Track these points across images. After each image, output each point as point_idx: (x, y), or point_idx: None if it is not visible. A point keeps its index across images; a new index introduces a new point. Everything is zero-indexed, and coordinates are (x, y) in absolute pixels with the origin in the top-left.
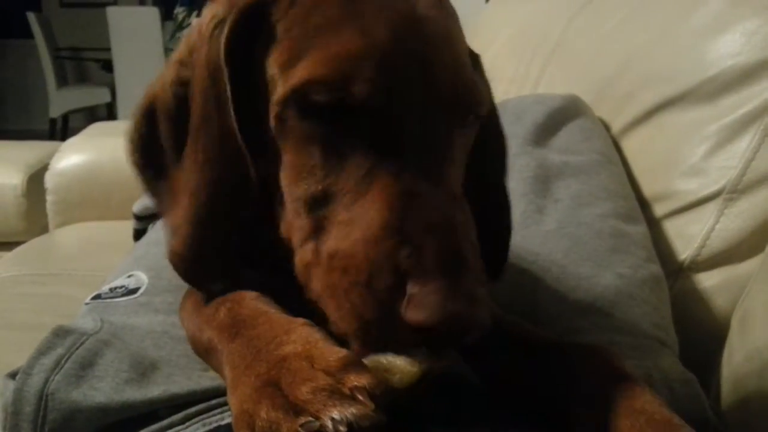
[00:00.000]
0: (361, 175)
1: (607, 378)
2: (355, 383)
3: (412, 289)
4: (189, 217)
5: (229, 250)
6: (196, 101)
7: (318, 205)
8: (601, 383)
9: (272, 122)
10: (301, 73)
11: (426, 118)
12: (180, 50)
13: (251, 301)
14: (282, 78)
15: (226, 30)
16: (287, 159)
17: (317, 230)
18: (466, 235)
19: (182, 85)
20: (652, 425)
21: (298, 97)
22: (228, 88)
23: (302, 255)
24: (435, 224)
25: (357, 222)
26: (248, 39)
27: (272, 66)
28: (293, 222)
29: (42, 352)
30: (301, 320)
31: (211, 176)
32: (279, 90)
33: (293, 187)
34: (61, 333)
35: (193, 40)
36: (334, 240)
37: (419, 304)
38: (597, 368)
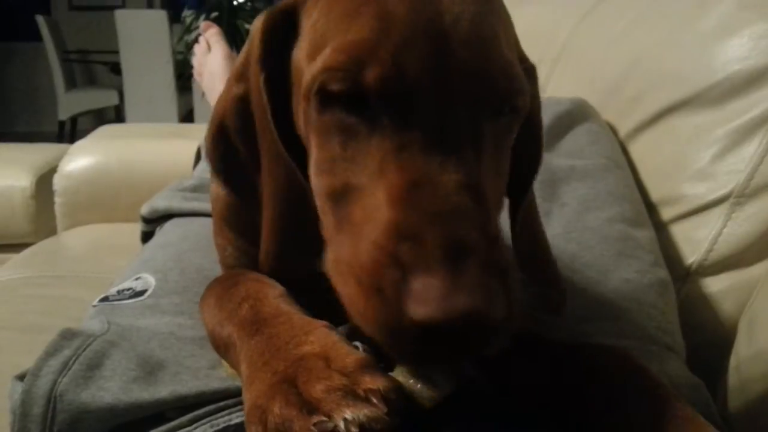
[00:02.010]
0: (375, 166)
1: (630, 377)
2: (370, 386)
3: (413, 284)
4: (266, 222)
5: (302, 249)
6: (255, 114)
7: (339, 200)
8: (624, 382)
9: (301, 120)
10: (319, 62)
11: (446, 104)
12: (238, 62)
13: (274, 299)
14: (306, 71)
15: (258, 39)
16: (313, 154)
17: (339, 231)
18: (475, 222)
19: (243, 100)
20: (679, 422)
21: (317, 87)
22: (264, 95)
23: (329, 259)
24: (438, 213)
25: (367, 221)
26: (285, 45)
27: (300, 61)
28: (322, 220)
29: (49, 354)
30: (320, 322)
31: (275, 185)
32: (303, 83)
33: (317, 181)
34: (68, 335)
35: (247, 53)
36: (348, 243)
37: (420, 299)
38: (618, 368)
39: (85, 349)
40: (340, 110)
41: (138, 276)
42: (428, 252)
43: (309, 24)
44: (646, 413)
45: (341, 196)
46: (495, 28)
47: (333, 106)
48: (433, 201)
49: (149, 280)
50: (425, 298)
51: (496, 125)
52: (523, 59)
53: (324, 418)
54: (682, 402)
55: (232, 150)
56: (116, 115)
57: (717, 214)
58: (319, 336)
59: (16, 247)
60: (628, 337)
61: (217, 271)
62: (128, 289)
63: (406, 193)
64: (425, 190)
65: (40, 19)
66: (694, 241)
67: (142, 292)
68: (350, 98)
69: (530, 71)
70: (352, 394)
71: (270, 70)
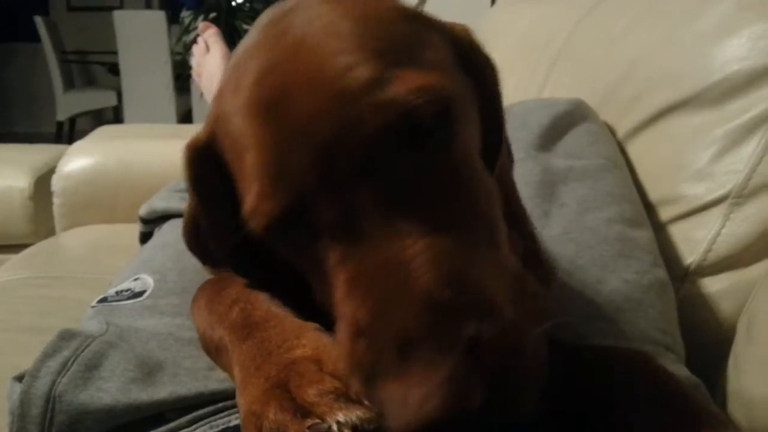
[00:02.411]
0: (326, 277)
1: (651, 378)
2: None
3: (375, 393)
4: None
5: None
6: None
7: (328, 306)
8: (646, 383)
9: None
10: (244, 211)
11: (349, 195)
12: None
13: (264, 302)
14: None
15: (186, 169)
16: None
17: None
18: (426, 296)
19: None
20: (703, 422)
21: (253, 233)
22: (206, 216)
23: None
24: (382, 306)
25: (339, 324)
26: (215, 166)
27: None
28: None
29: (48, 355)
30: (312, 325)
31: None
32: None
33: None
34: (66, 336)
35: None
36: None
37: (383, 411)
38: (639, 370)
39: (83, 350)
40: (282, 242)
41: (137, 277)
42: (378, 354)
43: (232, 165)
44: (671, 413)
45: (326, 302)
46: (376, 79)
47: (275, 241)
48: (374, 293)
49: (148, 281)
50: (386, 410)
51: (420, 158)
52: (459, 42)
53: (317, 421)
54: (707, 401)
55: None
56: (114, 115)
57: (716, 215)
58: (311, 339)
59: (15, 248)
60: (627, 338)
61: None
62: (127, 290)
63: (349, 290)
64: (364, 282)
65: (39, 20)
66: (693, 242)
67: (140, 293)
68: (273, 230)
69: (472, 57)
70: (344, 397)
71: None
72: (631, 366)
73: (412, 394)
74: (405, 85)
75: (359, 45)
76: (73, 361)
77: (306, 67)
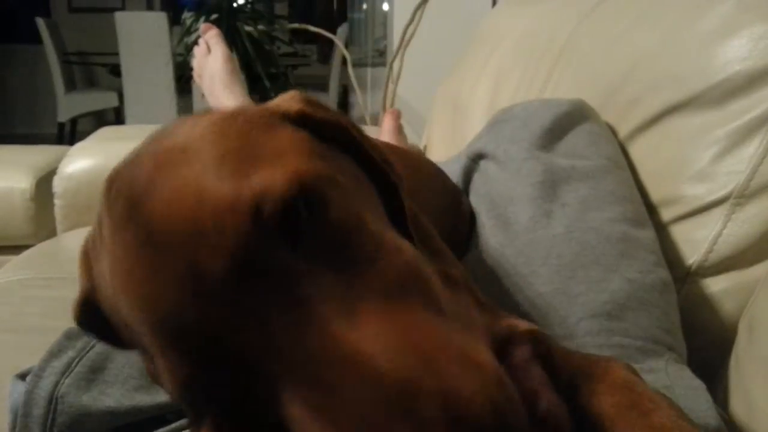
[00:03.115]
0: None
1: (622, 394)
2: None
3: None
4: None
5: None
6: None
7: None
8: (615, 399)
9: None
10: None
11: (228, 318)
12: None
13: None
14: None
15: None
16: None
17: None
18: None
19: None
20: None
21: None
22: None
23: None
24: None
25: None
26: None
27: None
28: None
29: (53, 354)
30: None
31: None
32: None
33: None
34: (72, 335)
35: None
36: None
37: None
38: (609, 384)
39: (88, 351)
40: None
41: None
42: None
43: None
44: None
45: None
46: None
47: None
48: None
49: None
50: None
51: (312, 235)
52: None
53: None
54: (679, 415)
55: None
56: (116, 116)
57: (717, 215)
58: None
59: (16, 248)
60: (629, 337)
61: None
62: None
63: (304, 414)
64: (321, 416)
65: (40, 21)
66: (694, 242)
67: None
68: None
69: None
70: None
71: None
72: (605, 378)
73: None
74: (245, 200)
75: (188, 208)
76: (78, 361)
77: (151, 244)
